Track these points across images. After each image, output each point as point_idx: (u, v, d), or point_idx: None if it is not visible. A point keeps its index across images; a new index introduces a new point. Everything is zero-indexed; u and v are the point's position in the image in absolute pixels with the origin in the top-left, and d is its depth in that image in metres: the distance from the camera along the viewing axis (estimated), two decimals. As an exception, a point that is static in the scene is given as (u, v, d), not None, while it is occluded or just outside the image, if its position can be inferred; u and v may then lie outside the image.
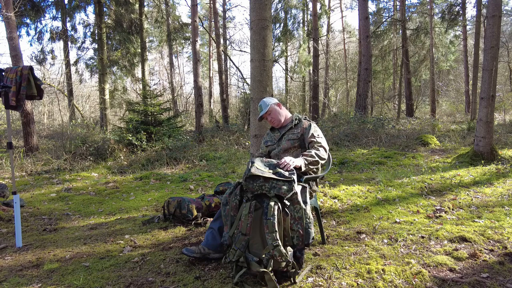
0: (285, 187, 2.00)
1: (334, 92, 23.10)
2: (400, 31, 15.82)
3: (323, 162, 2.52)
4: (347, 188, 4.07)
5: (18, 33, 11.39)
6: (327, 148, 2.59)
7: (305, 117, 2.81)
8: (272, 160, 2.29)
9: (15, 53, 7.63)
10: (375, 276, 2.00)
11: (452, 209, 3.36)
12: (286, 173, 2.09)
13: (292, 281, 1.96)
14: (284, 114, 2.81)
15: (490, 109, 5.45)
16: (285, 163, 2.22)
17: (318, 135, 2.62)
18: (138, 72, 16.68)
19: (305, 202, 2.07)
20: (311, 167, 2.44)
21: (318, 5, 15.31)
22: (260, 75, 3.58)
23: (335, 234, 2.80)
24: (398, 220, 3.06)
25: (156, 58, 28.46)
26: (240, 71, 16.38)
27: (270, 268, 1.87)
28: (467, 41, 17.89)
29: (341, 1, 20.77)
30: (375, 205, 3.52)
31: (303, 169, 2.34)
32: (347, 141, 8.71)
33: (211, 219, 3.21)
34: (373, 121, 10.19)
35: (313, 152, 2.46)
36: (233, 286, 1.94)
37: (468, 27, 19.15)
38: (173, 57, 22.02)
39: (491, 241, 2.47)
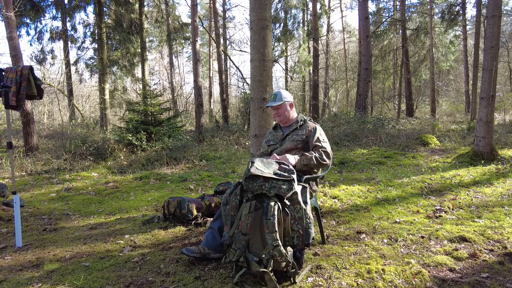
0: (284, 187, 2.00)
1: (334, 92, 23.10)
2: (400, 31, 15.82)
3: (323, 167, 2.55)
4: (347, 188, 4.07)
5: (18, 33, 11.38)
6: (331, 153, 2.61)
7: (310, 119, 2.81)
8: (272, 160, 2.30)
9: (15, 53, 7.62)
10: (375, 276, 2.00)
11: (452, 209, 3.36)
12: (286, 173, 2.10)
13: (292, 281, 1.96)
14: (292, 114, 2.80)
15: (490, 109, 5.45)
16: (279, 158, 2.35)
17: (323, 139, 2.63)
18: (138, 72, 16.67)
19: (305, 202, 2.07)
20: (305, 168, 2.49)
21: (318, 5, 15.30)
22: (260, 75, 3.58)
23: (335, 234, 2.80)
24: (398, 220, 3.06)
25: (156, 58, 28.46)
26: (240, 71, 16.39)
27: (270, 268, 1.87)
28: (467, 41, 17.87)
29: (341, 1, 20.76)
30: (375, 205, 3.52)
31: (295, 164, 2.42)
32: (347, 141, 8.71)
33: (211, 219, 3.21)
34: (373, 121, 10.19)
35: (314, 155, 2.49)
36: (233, 286, 1.94)
37: (468, 27, 19.14)
38: (173, 57, 22.01)
39: (491, 241, 2.47)
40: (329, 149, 2.60)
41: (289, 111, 2.77)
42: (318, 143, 2.59)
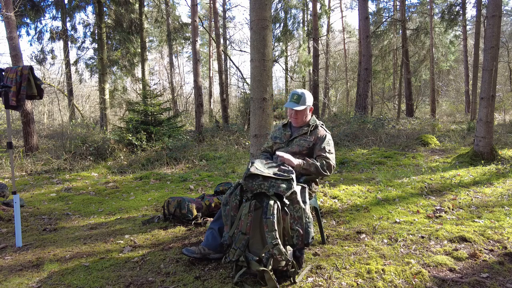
0: (284, 186, 2.01)
1: (334, 92, 23.09)
2: (400, 31, 15.82)
3: (321, 176, 2.53)
4: (347, 188, 4.07)
5: (18, 33, 11.38)
6: (334, 166, 2.54)
7: (322, 124, 2.70)
8: (272, 162, 2.30)
9: (15, 53, 7.62)
10: (375, 276, 2.00)
11: (452, 209, 3.36)
12: (285, 174, 2.10)
13: (292, 281, 1.96)
14: (308, 118, 2.69)
15: (490, 109, 5.45)
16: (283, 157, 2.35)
17: (329, 150, 2.54)
18: (138, 72, 16.66)
19: (304, 202, 2.08)
20: (303, 172, 2.46)
21: (318, 5, 15.30)
22: (260, 75, 3.57)
23: (335, 234, 2.80)
24: (398, 220, 3.06)
25: (156, 58, 28.44)
26: (240, 71, 16.39)
27: (270, 267, 1.87)
28: (467, 41, 17.88)
29: (341, 1, 20.78)
30: (375, 205, 3.52)
31: (296, 165, 2.40)
32: (347, 141, 8.71)
33: (211, 219, 3.21)
34: (373, 121, 10.19)
35: (315, 163, 2.46)
36: (233, 286, 1.95)
37: (468, 27, 19.15)
38: (173, 57, 21.98)
39: (491, 241, 2.47)
40: (333, 161, 2.51)
41: (307, 116, 2.65)
42: (322, 153, 2.50)
